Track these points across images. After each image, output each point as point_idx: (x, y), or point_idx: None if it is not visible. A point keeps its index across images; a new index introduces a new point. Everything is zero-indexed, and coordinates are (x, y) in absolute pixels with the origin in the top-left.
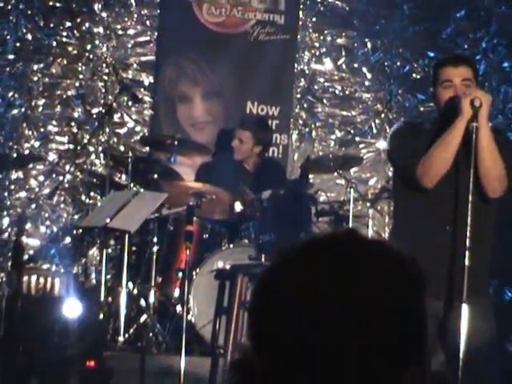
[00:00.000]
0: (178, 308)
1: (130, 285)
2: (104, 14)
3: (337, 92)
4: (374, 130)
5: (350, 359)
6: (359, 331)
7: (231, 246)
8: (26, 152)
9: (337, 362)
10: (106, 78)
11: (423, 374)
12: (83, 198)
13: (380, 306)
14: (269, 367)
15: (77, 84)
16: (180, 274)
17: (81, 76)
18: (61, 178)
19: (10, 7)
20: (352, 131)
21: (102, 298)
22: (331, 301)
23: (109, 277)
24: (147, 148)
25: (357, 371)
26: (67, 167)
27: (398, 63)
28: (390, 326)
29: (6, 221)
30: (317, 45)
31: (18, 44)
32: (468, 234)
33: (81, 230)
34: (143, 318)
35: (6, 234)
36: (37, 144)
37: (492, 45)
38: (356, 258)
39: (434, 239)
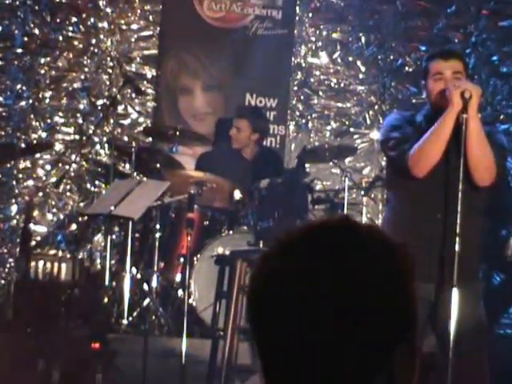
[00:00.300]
0: (180, 292)
1: (134, 270)
2: (108, 10)
3: (332, 85)
4: (368, 121)
5: (343, 336)
6: (353, 310)
7: (231, 232)
8: (34, 143)
9: (331, 338)
10: (110, 71)
11: (414, 350)
12: (88, 186)
13: (372, 288)
14: (267, 350)
15: (82, 77)
16: (181, 260)
17: (86, 69)
18: (67, 167)
19: (18, 3)
20: (347, 122)
21: (107, 283)
22: (326, 284)
23: (113, 262)
24: (150, 138)
25: (350, 347)
26: (73, 157)
27: (391, 57)
28: (382, 306)
29: (14, 208)
30: (313, 39)
31: (25, 38)
32: (458, 221)
33: (86, 217)
34: (146, 301)
35: (15, 221)
36: (44, 134)
37: (481, 39)
38: (350, 244)
39: (425, 226)
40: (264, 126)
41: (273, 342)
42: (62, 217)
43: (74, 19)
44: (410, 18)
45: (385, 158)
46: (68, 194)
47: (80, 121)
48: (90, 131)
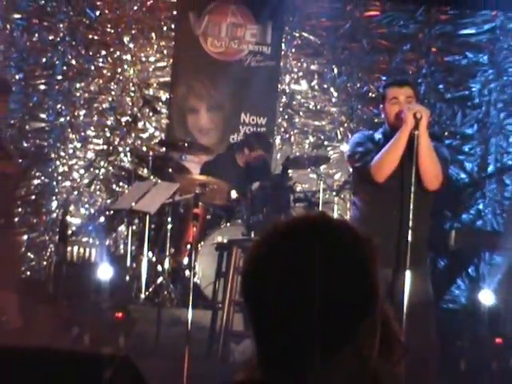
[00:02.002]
0: (187, 272)
1: (150, 254)
2: (131, 45)
3: (310, 107)
4: (339, 137)
5: (318, 309)
6: (327, 289)
7: (228, 224)
8: (71, 151)
9: (307, 311)
10: (132, 94)
11: (376, 322)
12: (114, 187)
13: (344, 270)
14: (257, 319)
15: (110, 99)
16: (188, 246)
17: (113, 93)
18: (97, 171)
19: (58, 39)
20: (322, 137)
21: (128, 264)
22: (305, 267)
23: (133, 248)
24: (164, 149)
25: (325, 319)
26: (102, 163)
27: (358, 85)
28: (351, 286)
29: (54, 204)
30: (295, 70)
31: (64, 68)
32: (411, 217)
33: (112, 212)
34: (159, 279)
35: (55, 215)
36: (78, 145)
37: (430, 71)
38: (326, 235)
39: (384, 221)
40: (265, 148)
41: (261, 312)
42: (92, 211)
43: (103, 52)
44: (373, 53)
45: (351, 168)
46: (97, 192)
47: (108, 134)
48: (116, 142)
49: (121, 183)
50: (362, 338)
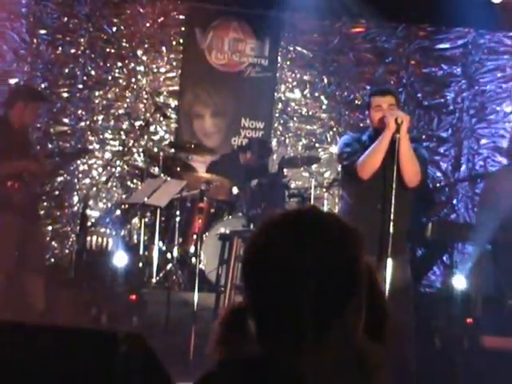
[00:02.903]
0: (193, 259)
1: (160, 243)
2: (144, 58)
3: (303, 113)
4: (329, 139)
5: (311, 289)
6: (319, 272)
7: (230, 217)
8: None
9: (301, 292)
10: (145, 101)
11: (361, 302)
12: (128, 183)
13: (333, 257)
14: (255, 300)
15: (125, 105)
16: (194, 237)
17: (127, 100)
18: (113, 169)
19: (79, 52)
20: (313, 140)
21: (141, 252)
22: (299, 254)
23: (146, 238)
24: (173, 150)
25: (317, 297)
26: (118, 162)
27: (346, 93)
28: (340, 270)
29: (75, 198)
30: (290, 80)
31: (84, 77)
32: (392, 210)
33: (127, 206)
34: (169, 266)
35: (76, 208)
36: (97, 146)
37: (410, 81)
38: (317, 226)
39: (369, 214)
40: (266, 153)
41: (259, 294)
42: (109, 205)
43: (119, 64)
44: (359, 65)
45: (340, 167)
46: (114, 188)
47: (123, 137)
48: (130, 144)
49: (134, 180)
50: (349, 314)
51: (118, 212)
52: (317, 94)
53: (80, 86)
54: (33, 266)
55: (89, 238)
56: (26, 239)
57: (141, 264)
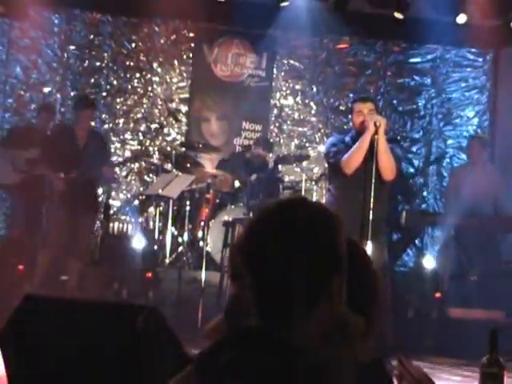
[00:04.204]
0: (201, 243)
1: (173, 229)
2: (159, 69)
3: (295, 117)
4: (317, 140)
5: (301, 267)
6: (307, 252)
7: (232, 206)
8: (112, 150)
9: (292, 270)
10: (159, 107)
11: (343, 279)
12: (145, 178)
13: (319, 238)
14: (254, 278)
15: (142, 111)
16: (202, 223)
17: (145, 106)
18: (132, 166)
19: (103, 65)
20: (304, 140)
21: (156, 237)
22: (290, 236)
23: (160, 224)
24: (183, 148)
25: (307, 273)
26: (136, 159)
27: (332, 100)
28: (325, 249)
29: (100, 190)
30: (284, 89)
31: (108, 86)
32: (372, 200)
33: (144, 197)
34: (180, 248)
35: (100, 198)
36: (118, 146)
37: (387, 90)
38: (305, 212)
39: (352, 204)
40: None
41: (256, 272)
42: (129, 196)
43: (137, 75)
44: (343, 76)
45: (327, 163)
46: (133, 182)
47: (141, 137)
48: (147, 144)
49: (150, 175)
50: (334, 290)
51: (137, 202)
52: (307, 101)
53: (104, 94)
54: (76, 252)
55: (111, 224)
56: (75, 229)
57: (156, 247)
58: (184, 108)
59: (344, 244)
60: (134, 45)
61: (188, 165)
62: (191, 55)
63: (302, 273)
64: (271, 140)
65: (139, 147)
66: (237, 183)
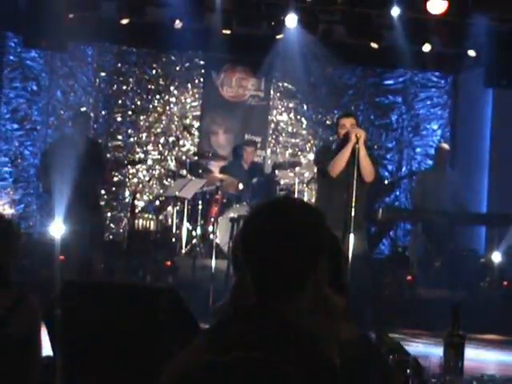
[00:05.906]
0: (211, 236)
1: (188, 224)
2: (175, 92)
3: (289, 130)
4: (308, 149)
5: (291, 256)
6: (296, 241)
7: (237, 205)
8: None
9: (283, 257)
10: (176, 123)
11: (326, 265)
12: (165, 182)
13: (307, 230)
14: (252, 265)
15: (161, 126)
16: (212, 219)
17: (164, 122)
18: (154, 172)
19: (129, 88)
20: (297, 149)
21: (174, 231)
22: (282, 226)
23: (177, 220)
24: (196, 157)
25: (295, 263)
26: (157, 167)
27: (320, 116)
28: (311, 239)
29: (127, 193)
30: (279, 107)
31: (133, 106)
32: (354, 199)
33: (163, 198)
34: (194, 240)
35: (127, 199)
36: (142, 156)
37: (366, 107)
38: (295, 209)
39: (337, 202)
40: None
41: (252, 258)
42: (151, 197)
43: (157, 96)
44: (330, 96)
45: (316, 168)
46: (154, 185)
47: (160, 148)
48: (166, 154)
49: (169, 179)
50: (319, 272)
51: (158, 202)
52: (299, 117)
53: (129, 113)
54: (94, 241)
55: (136, 221)
56: (90, 221)
57: (174, 239)
58: (196, 123)
59: (327, 234)
60: (154, 71)
61: (200, 171)
62: (202, 79)
63: (292, 257)
64: (269, 150)
65: (159, 157)
66: (241, 186)
